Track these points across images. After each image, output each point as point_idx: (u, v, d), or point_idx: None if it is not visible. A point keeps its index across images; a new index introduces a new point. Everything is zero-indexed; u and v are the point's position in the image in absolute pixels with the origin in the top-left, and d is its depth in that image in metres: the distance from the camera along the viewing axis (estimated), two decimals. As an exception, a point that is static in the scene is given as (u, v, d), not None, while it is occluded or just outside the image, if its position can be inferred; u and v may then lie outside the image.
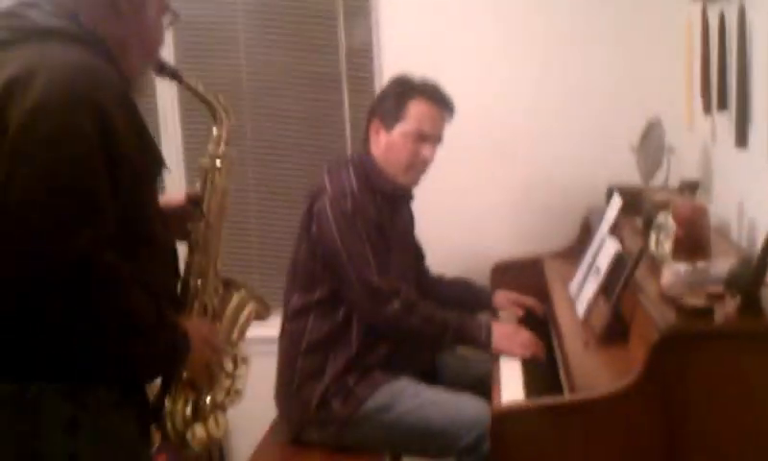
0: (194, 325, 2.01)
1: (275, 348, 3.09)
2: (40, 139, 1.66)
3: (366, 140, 3.06)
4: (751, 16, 2.64)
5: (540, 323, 3.17)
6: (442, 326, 2.91)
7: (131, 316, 1.74)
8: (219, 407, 2.14)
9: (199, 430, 2.07)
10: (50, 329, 1.69)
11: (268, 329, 3.03)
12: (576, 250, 3.34)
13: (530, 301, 3.31)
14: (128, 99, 1.84)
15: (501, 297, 3.34)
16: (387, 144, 2.99)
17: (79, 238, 1.64)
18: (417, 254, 3.36)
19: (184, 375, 2.02)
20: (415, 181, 3.10)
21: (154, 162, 1.93)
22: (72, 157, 1.67)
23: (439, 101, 3.01)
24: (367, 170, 2.98)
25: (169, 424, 2.03)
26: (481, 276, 3.58)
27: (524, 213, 3.74)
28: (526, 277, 3.48)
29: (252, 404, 3.04)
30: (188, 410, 2.06)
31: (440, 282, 3.41)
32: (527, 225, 3.73)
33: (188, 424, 2.05)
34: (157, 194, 2.02)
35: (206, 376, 2.07)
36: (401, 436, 2.88)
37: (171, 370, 1.97)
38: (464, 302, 3.30)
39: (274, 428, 3.13)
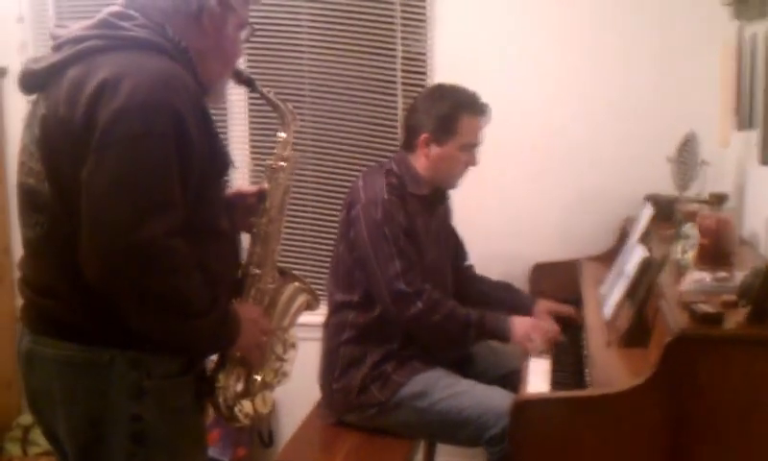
0: (246, 309, 2.19)
1: (320, 334, 3.27)
2: (123, 138, 1.85)
3: (407, 148, 3.20)
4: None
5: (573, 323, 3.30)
6: (464, 322, 3.06)
7: (189, 297, 1.93)
8: (267, 387, 2.29)
9: (246, 405, 2.22)
10: (121, 304, 1.89)
11: (315, 317, 3.22)
12: (613, 254, 3.44)
13: (568, 310, 3.39)
14: (202, 105, 2.01)
15: (540, 307, 3.40)
16: (439, 157, 3.14)
17: (149, 227, 1.83)
18: (455, 249, 3.48)
19: (237, 354, 2.18)
20: (457, 185, 3.27)
21: (221, 163, 2.10)
22: (148, 155, 1.86)
23: (483, 112, 3.16)
24: (403, 176, 3.13)
25: (221, 398, 2.18)
26: (521, 274, 3.74)
27: (567, 218, 3.87)
28: (563, 277, 3.62)
29: (299, 386, 3.25)
30: (239, 386, 2.22)
31: (483, 282, 3.53)
32: (569, 229, 3.86)
33: (238, 399, 2.21)
34: (224, 191, 2.20)
35: (256, 356, 2.22)
36: (433, 422, 3.03)
37: (222, 347, 2.14)
38: (505, 303, 3.40)
39: (317, 409, 3.30)
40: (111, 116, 1.85)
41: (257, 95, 2.42)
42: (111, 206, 1.84)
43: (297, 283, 2.41)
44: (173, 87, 1.92)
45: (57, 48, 2.03)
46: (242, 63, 3.89)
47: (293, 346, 2.38)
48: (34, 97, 2.06)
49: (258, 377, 2.26)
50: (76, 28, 2.04)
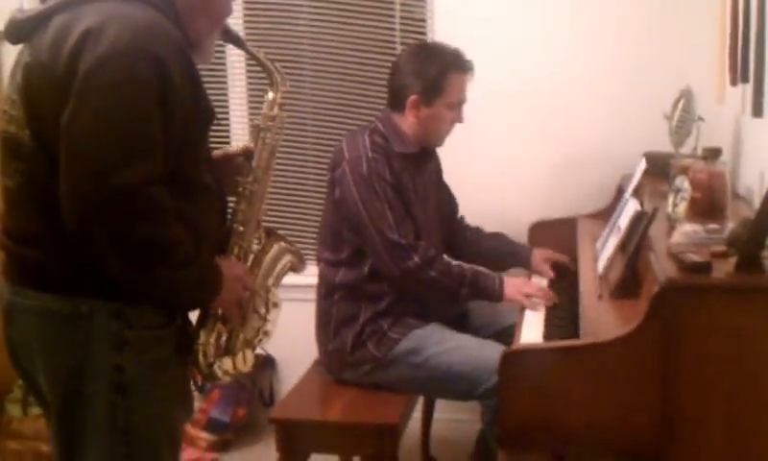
0: (228, 264, 2.18)
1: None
2: (104, 84, 1.85)
3: (394, 108, 3.21)
4: (770, -8, 2.72)
5: (570, 278, 3.31)
6: (458, 278, 3.08)
7: (169, 246, 1.93)
8: (248, 345, 2.29)
9: (227, 363, 2.22)
10: (100, 251, 1.89)
11: (313, 278, 3.28)
12: (610, 212, 3.42)
13: (564, 257, 3.45)
14: (186, 56, 2.00)
15: (538, 256, 3.47)
16: (428, 117, 3.15)
17: (129, 172, 1.83)
18: (448, 204, 3.51)
19: (219, 311, 2.18)
20: (443, 142, 3.29)
21: (205, 115, 2.10)
22: (130, 101, 1.86)
23: (469, 69, 3.19)
24: (388, 135, 3.14)
25: (200, 355, 2.17)
26: (520, 233, 3.74)
27: (565, 177, 3.89)
28: (561, 235, 3.63)
29: (300, 346, 3.31)
30: (219, 344, 2.21)
31: (478, 233, 3.57)
32: (567, 187, 3.88)
33: (218, 356, 2.20)
34: (208, 144, 2.18)
35: (237, 313, 2.22)
36: (428, 378, 3.06)
37: (203, 301, 2.14)
38: (502, 255, 3.48)
39: (315, 367, 3.33)
40: (93, 62, 1.85)
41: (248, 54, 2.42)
42: (91, 151, 1.84)
43: (282, 243, 2.41)
44: (157, 36, 1.93)
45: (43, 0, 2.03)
46: (239, 26, 3.92)
47: (276, 305, 2.37)
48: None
49: (240, 335, 2.25)
50: None
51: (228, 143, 4.09)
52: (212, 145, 2.25)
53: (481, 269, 3.19)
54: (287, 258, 2.42)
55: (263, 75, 2.40)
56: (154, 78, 1.88)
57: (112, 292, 1.96)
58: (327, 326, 3.18)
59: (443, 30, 3.84)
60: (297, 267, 2.47)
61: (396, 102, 3.19)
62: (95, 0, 1.96)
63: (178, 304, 2.11)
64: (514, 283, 3.14)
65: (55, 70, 1.90)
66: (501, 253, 3.50)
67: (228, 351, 2.23)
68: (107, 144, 1.84)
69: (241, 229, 2.28)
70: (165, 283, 1.98)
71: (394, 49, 4.03)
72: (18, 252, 2.03)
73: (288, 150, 4.12)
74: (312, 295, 3.29)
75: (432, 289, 3.09)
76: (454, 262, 3.15)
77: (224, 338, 2.22)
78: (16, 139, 1.99)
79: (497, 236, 3.58)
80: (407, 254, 3.02)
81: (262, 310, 2.33)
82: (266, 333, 2.34)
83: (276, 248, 2.39)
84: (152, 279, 1.96)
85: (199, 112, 2.05)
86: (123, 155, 1.84)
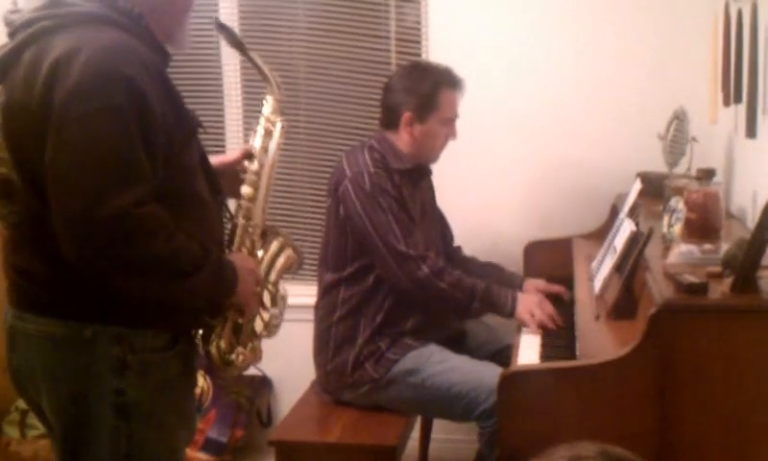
0: (239, 257, 2.20)
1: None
2: (79, 115, 1.85)
3: (388, 127, 3.24)
4: (762, 13, 2.75)
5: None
6: (470, 291, 3.08)
7: (175, 257, 1.94)
8: (257, 338, 2.29)
9: (240, 355, 2.23)
10: (108, 279, 1.91)
11: (309, 298, 3.29)
12: (605, 231, 3.46)
13: (558, 289, 3.37)
14: (160, 71, 2.00)
15: (530, 286, 3.41)
16: (422, 134, 3.19)
17: (118, 198, 1.83)
18: (442, 229, 3.52)
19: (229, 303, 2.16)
20: (438, 158, 3.33)
21: (188, 126, 2.09)
22: (107, 128, 1.86)
23: (459, 85, 3.23)
24: (384, 152, 3.17)
25: (214, 349, 2.19)
26: (515, 253, 3.75)
27: (559, 196, 3.89)
28: (556, 255, 3.64)
29: (298, 366, 3.31)
30: (232, 336, 2.21)
31: (471, 263, 3.54)
32: (562, 207, 3.88)
33: (232, 347, 2.21)
34: (196, 154, 2.16)
35: (255, 303, 2.23)
36: (426, 398, 3.06)
37: (222, 298, 2.12)
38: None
39: (312, 387, 3.34)
40: (66, 95, 1.86)
41: (250, 67, 2.47)
42: (77, 184, 1.84)
43: (281, 238, 2.42)
44: (124, 57, 1.92)
45: (11, 35, 2.03)
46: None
47: (283, 298, 2.38)
48: None
49: (250, 327, 2.26)
50: (26, 11, 2.04)
51: (223, 152, 4.09)
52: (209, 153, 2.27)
53: (494, 284, 3.18)
54: (287, 253, 2.43)
55: (259, 90, 2.42)
56: (126, 100, 1.88)
57: (115, 316, 1.97)
58: (326, 346, 3.19)
59: (437, 51, 3.85)
60: (295, 263, 2.47)
61: (390, 120, 3.22)
62: (59, 29, 1.96)
63: (199, 307, 2.11)
64: (526, 302, 3.11)
65: (30, 108, 1.90)
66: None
67: (240, 342, 2.24)
68: (91, 174, 1.84)
69: (245, 222, 2.29)
70: (182, 293, 2.00)
71: (389, 69, 4.03)
72: (19, 282, 2.05)
73: (281, 169, 4.11)
74: (307, 315, 3.31)
75: (443, 301, 3.10)
76: (465, 276, 3.14)
77: (235, 331, 2.22)
78: (7, 181, 2.00)
79: (489, 266, 3.55)
80: (416, 264, 3.04)
81: (268, 303, 2.34)
82: (275, 326, 2.35)
83: (275, 243, 2.40)
84: (168, 293, 1.98)
85: (181, 123, 2.05)
86: (109, 182, 1.85)
